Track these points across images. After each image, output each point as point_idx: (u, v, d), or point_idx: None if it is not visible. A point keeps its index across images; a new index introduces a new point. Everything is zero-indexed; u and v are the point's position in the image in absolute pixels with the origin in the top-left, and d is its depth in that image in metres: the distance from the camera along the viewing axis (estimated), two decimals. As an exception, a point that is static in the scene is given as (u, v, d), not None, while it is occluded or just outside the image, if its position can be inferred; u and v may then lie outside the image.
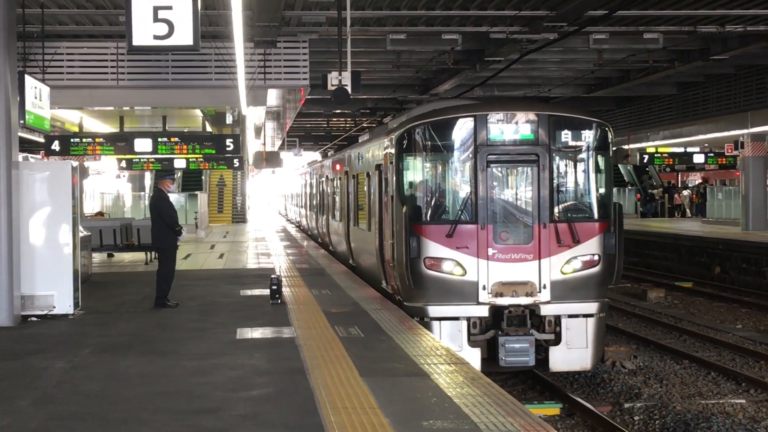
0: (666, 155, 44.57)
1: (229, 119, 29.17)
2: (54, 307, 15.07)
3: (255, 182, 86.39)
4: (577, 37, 21.28)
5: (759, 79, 29.15)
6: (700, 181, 59.52)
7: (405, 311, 15.67)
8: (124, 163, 37.47)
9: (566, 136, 16.11)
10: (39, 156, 37.39)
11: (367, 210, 20.63)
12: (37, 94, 16.13)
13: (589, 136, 16.25)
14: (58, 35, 20.47)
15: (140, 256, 26.75)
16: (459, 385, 9.80)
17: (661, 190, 56.19)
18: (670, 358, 18.81)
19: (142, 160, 34.92)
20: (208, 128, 32.96)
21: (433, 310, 15.74)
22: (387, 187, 17.39)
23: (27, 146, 37.53)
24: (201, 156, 30.95)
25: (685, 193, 55.61)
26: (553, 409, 14.81)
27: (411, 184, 16.38)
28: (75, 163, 15.77)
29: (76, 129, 30.81)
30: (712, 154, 44.99)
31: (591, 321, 15.90)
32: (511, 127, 15.92)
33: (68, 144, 25.67)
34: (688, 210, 54.18)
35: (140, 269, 24.32)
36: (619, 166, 55.36)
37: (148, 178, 54.18)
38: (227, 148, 26.37)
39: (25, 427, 8.42)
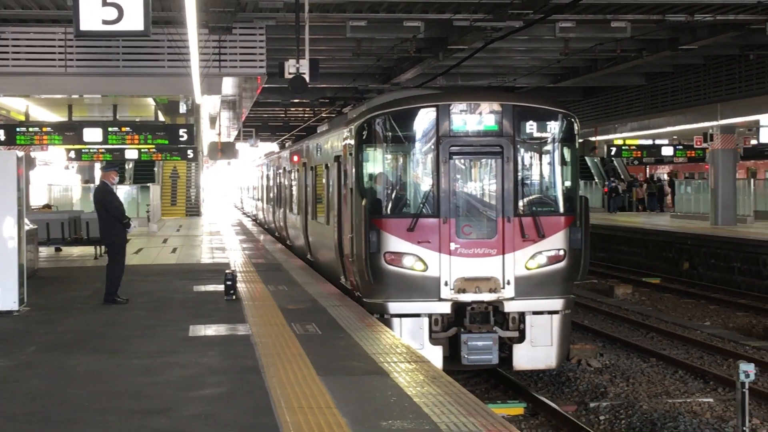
0: (634, 147, 44.59)
1: (182, 108, 28.78)
2: (-3, 303, 14.76)
3: (210, 174, 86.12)
4: (543, 26, 21.24)
5: (729, 70, 29.10)
6: (651, 175, 59.88)
7: (364, 308, 15.50)
8: (72, 154, 37.03)
9: (531, 127, 16.05)
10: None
11: (325, 203, 20.49)
12: (-20, 81, 15.79)
13: (554, 127, 16.18)
14: (2, 19, 20.09)
15: (89, 250, 26.58)
16: (419, 384, 9.75)
17: (625, 183, 56.33)
18: (636, 356, 18.86)
19: (91, 150, 34.65)
20: (161, 118, 32.65)
21: (394, 307, 15.57)
22: (346, 180, 17.21)
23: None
24: (153, 146, 30.69)
25: (645, 186, 55.82)
26: (517, 409, 14.72)
27: (371, 176, 16.25)
28: (20, 153, 15.54)
29: (23, 118, 30.42)
30: (681, 147, 45.04)
31: (556, 318, 15.79)
32: (475, 118, 15.78)
33: (14, 133, 25.42)
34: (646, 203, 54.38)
35: (89, 264, 24.16)
36: (586, 158, 55.43)
37: (97, 169, 53.60)
38: (181, 139, 26.20)
39: (-36, 430, 8.25)
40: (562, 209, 16.01)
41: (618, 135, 42.67)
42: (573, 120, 16.24)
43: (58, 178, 54.41)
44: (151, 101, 29.60)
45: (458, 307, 15.47)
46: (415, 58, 25.14)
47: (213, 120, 39.69)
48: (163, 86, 21.20)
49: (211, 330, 13.25)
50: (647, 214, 49.80)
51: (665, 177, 59.54)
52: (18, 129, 25.77)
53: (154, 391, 9.50)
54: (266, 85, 25.08)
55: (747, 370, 11.90)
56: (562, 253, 15.73)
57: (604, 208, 53.79)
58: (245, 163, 61.85)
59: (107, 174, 16.53)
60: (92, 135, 25.74)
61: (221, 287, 16.68)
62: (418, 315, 15.46)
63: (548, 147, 16.14)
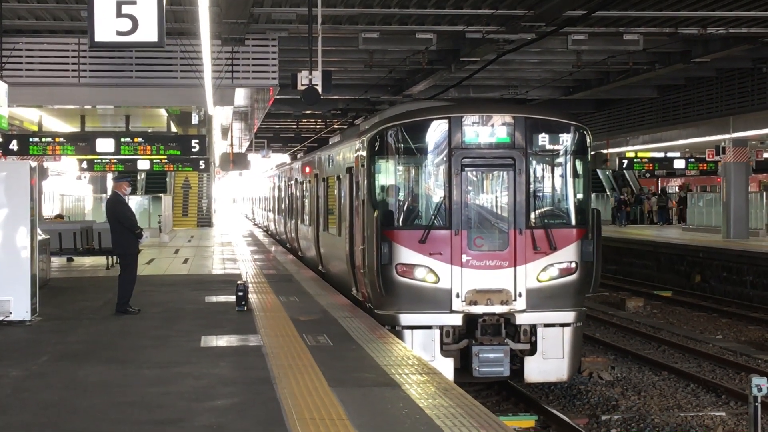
0: (646, 160, 44.46)
1: (194, 119, 28.84)
2: (10, 313, 14.77)
3: (221, 185, 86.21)
4: (555, 38, 21.25)
5: (741, 83, 29.05)
6: (662, 188, 59.81)
7: (376, 319, 15.46)
8: (85, 164, 37.11)
9: (543, 139, 15.99)
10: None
11: (337, 214, 20.42)
12: (-6, 91, 15.87)
13: (566, 139, 16.10)
14: (17, 30, 20.12)
15: (101, 260, 26.52)
16: (431, 395, 9.71)
17: (632, 196, 56.16)
18: (648, 369, 18.76)
19: (104, 161, 34.70)
20: (173, 128, 32.71)
21: (405, 319, 15.50)
22: (358, 191, 17.16)
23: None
24: (165, 157, 30.75)
25: (655, 199, 55.76)
26: (528, 422, 14.66)
27: (383, 187, 16.20)
28: (34, 164, 15.53)
29: (36, 128, 30.51)
30: (693, 160, 44.91)
31: (568, 330, 15.72)
32: (487, 130, 15.72)
33: (27, 143, 25.47)
34: (655, 217, 54.26)
35: (101, 274, 24.12)
36: (598, 171, 55.32)
37: (110, 180, 53.66)
38: (193, 149, 26.22)
39: (-26, 439, 8.26)
40: (573, 221, 15.96)
41: (630, 147, 42.60)
42: (585, 132, 16.21)
43: (70, 189, 54.53)
44: (163, 112, 29.67)
45: (470, 319, 15.42)
46: (428, 70, 25.14)
47: (225, 131, 39.75)
48: (175, 97, 21.28)
49: (222, 341, 13.23)
50: (656, 227, 49.72)
51: (676, 189, 59.46)
52: (31, 139, 25.82)
53: (165, 402, 9.49)
54: (278, 97, 25.11)
55: (759, 383, 11.87)
56: (573, 265, 15.68)
57: (617, 222, 53.51)
58: (257, 174, 61.91)
59: (119, 185, 16.53)
60: (105, 145, 25.79)
61: (233, 298, 16.64)
62: (429, 327, 15.40)
63: (560, 159, 16.08)
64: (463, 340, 15.48)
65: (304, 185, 27.97)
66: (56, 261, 25.78)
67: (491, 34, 20.46)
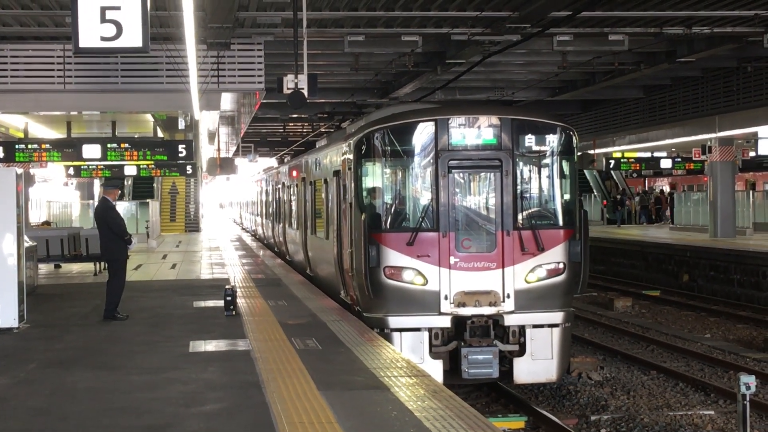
0: (632, 160, 44.57)
1: (181, 124, 28.78)
2: (-3, 320, 14.69)
3: (209, 190, 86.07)
4: (540, 39, 21.21)
5: (726, 82, 29.10)
6: (650, 189, 59.96)
7: (364, 322, 15.48)
8: (71, 171, 36.97)
9: (530, 140, 16.03)
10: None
11: (324, 218, 20.40)
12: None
13: (553, 140, 16.13)
14: (1, 37, 20.04)
15: (89, 266, 26.53)
16: (420, 398, 9.71)
17: (618, 196, 56.26)
18: (637, 368, 18.78)
19: (90, 167, 34.63)
20: (160, 134, 32.65)
21: (394, 321, 15.52)
22: (345, 194, 17.15)
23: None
24: (152, 162, 30.70)
25: (638, 199, 55.95)
26: (518, 423, 14.66)
27: (370, 190, 16.22)
28: (20, 170, 15.55)
29: (21, 135, 30.39)
30: (679, 159, 45.01)
31: (556, 331, 15.75)
32: (474, 132, 15.73)
33: (13, 150, 25.39)
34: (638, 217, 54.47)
35: (89, 280, 24.11)
36: (585, 171, 55.43)
37: (97, 186, 53.63)
38: (180, 155, 26.18)
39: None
40: (561, 222, 16.00)
41: (617, 148, 42.67)
42: (571, 133, 16.24)
43: (57, 195, 54.40)
44: (149, 117, 29.60)
45: (458, 321, 15.43)
46: (413, 73, 25.13)
47: (212, 135, 39.73)
48: (161, 102, 21.17)
49: (211, 345, 13.23)
50: (641, 226, 49.83)
51: (665, 188, 59.64)
52: (17, 146, 25.74)
53: (154, 407, 9.48)
54: (265, 101, 25.07)
55: (748, 382, 11.90)
56: (561, 266, 15.71)
57: (603, 221, 53.59)
58: (244, 178, 61.87)
59: (109, 191, 16.58)
60: (91, 151, 25.73)
61: (221, 303, 16.62)
62: (418, 329, 15.42)
63: (547, 160, 16.12)
64: (451, 342, 15.48)
65: (292, 189, 27.96)
66: (44, 268, 25.81)
67: (477, 36, 20.44)
